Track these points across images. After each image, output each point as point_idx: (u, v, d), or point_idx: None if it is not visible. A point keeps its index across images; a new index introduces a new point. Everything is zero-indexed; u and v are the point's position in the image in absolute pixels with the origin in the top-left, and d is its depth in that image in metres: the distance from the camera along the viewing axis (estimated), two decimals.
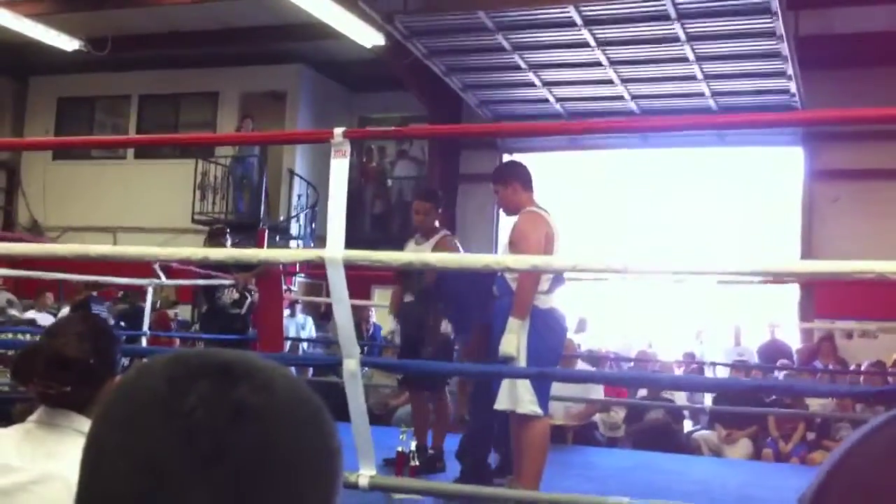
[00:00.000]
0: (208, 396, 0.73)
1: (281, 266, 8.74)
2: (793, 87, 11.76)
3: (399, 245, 6.44)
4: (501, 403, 4.76)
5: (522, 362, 4.66)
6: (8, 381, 7.05)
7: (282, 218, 15.58)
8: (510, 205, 5.13)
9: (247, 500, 0.71)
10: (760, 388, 7.38)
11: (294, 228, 15.44)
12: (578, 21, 10.68)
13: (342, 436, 0.81)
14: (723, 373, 10.37)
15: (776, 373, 9.73)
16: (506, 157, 14.20)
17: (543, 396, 4.77)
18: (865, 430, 0.65)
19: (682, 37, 10.78)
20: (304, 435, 0.77)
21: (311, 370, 9.77)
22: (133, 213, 15.92)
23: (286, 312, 10.26)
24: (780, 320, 12.52)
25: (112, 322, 8.92)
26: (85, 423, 2.00)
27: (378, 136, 14.28)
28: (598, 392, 8.49)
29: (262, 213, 15.07)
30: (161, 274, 8.36)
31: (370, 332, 12.00)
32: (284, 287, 9.88)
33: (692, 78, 12.04)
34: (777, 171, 14.09)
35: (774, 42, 10.65)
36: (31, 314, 11.16)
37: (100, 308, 10.59)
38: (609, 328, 12.71)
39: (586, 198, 14.43)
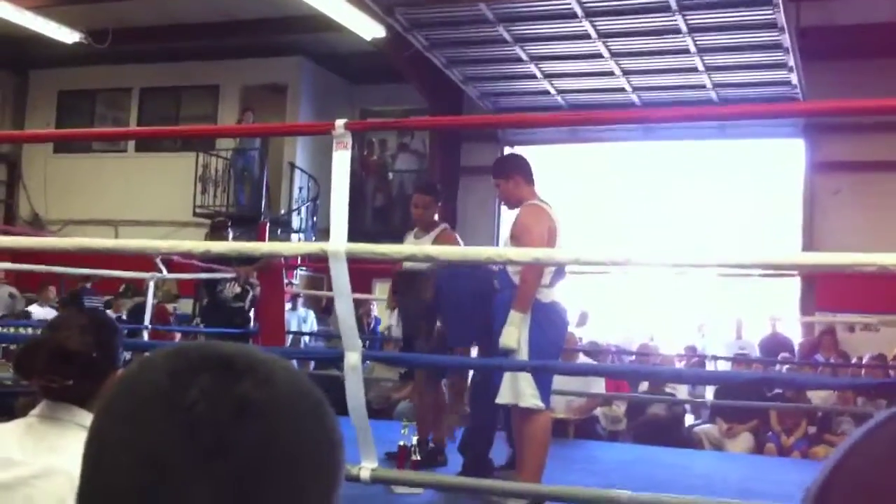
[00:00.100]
0: (210, 390, 0.73)
1: (282, 259, 8.74)
2: (794, 78, 11.74)
3: (401, 238, 6.43)
4: (503, 397, 4.76)
5: (524, 356, 4.66)
6: (10, 375, 7.06)
7: (283, 211, 15.59)
8: (512, 198, 5.12)
9: (249, 494, 0.72)
10: (762, 381, 7.37)
11: (295, 222, 15.44)
12: (579, 12, 10.66)
13: (343, 429, 0.81)
14: (724, 366, 10.37)
15: (777, 366, 9.73)
16: (507, 150, 14.20)
17: (545, 390, 4.77)
18: (867, 428, 0.64)
19: (684, 28, 10.77)
20: (306, 428, 0.77)
21: (312, 364, 9.77)
22: (134, 207, 15.93)
23: (287, 306, 10.26)
24: (782, 314, 12.51)
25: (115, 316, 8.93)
26: (87, 417, 2.00)
27: (379, 128, 14.26)
28: (599, 386, 8.49)
29: (263, 206, 15.07)
30: (162, 267, 8.36)
31: (371, 325, 12.00)
32: (286, 281, 9.88)
33: (693, 70, 12.03)
34: (778, 163, 14.09)
35: (776, 33, 10.63)
36: (33, 308, 11.19)
37: (94, 300, 10.61)
38: (610, 322, 12.71)
39: (587, 190, 14.43)
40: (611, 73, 12.42)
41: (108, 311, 10.02)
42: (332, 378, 7.25)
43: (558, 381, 6.14)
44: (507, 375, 4.74)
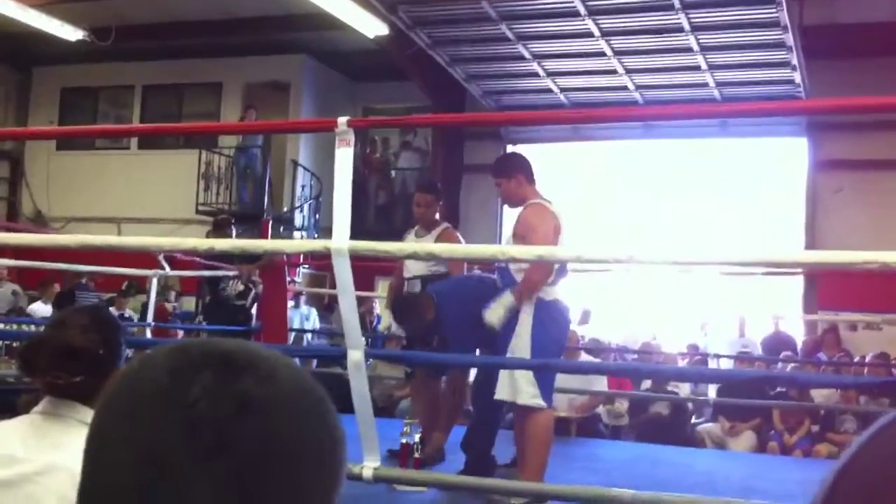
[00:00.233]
0: (211, 387, 0.73)
1: (285, 257, 8.74)
2: (797, 77, 11.73)
3: (402, 237, 6.42)
4: (501, 393, 4.76)
5: (526, 354, 4.66)
6: (13, 372, 7.07)
7: (285, 209, 15.59)
8: (514, 197, 5.10)
9: (250, 491, 0.71)
10: (764, 380, 7.37)
11: (298, 219, 15.45)
12: (582, 11, 10.66)
13: (346, 427, 0.81)
14: (727, 365, 10.37)
15: (780, 364, 9.73)
16: (510, 148, 14.20)
17: (547, 388, 4.77)
18: (873, 431, 0.64)
19: (687, 27, 10.76)
20: (308, 425, 0.76)
21: (315, 361, 9.78)
22: (137, 204, 15.94)
23: (290, 304, 10.27)
24: (784, 312, 12.51)
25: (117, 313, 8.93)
26: (90, 414, 2.00)
27: (382, 125, 14.27)
28: (601, 384, 8.49)
29: (265, 203, 15.08)
30: (165, 265, 8.36)
31: (374, 323, 11.99)
32: (288, 278, 9.88)
33: (696, 68, 12.02)
34: (780, 161, 14.08)
35: (779, 32, 10.62)
36: (36, 305, 11.20)
37: (89, 296, 10.61)
38: (613, 320, 12.70)
39: (590, 189, 14.43)
40: (613, 72, 12.42)
41: (110, 309, 10.02)
42: (334, 376, 7.27)
43: (560, 380, 6.15)
44: (504, 373, 4.73)
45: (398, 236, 6.38)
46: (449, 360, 5.23)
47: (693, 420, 9.88)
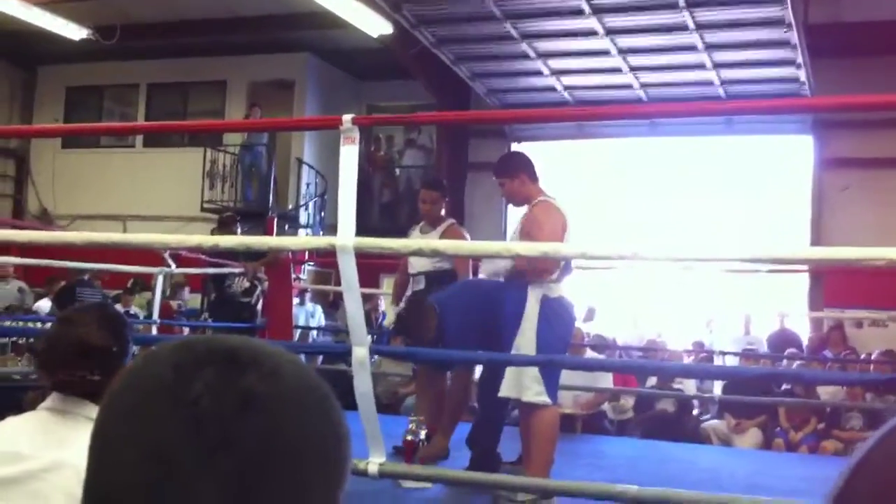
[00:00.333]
0: (215, 384, 0.73)
1: (290, 254, 8.75)
2: (802, 75, 11.72)
3: (407, 235, 6.41)
4: (506, 390, 4.75)
5: (531, 351, 4.66)
6: (19, 369, 7.09)
7: (290, 206, 15.61)
8: (518, 196, 5.09)
9: (254, 488, 0.71)
10: (770, 377, 7.37)
11: (303, 217, 15.47)
12: (587, 9, 10.65)
13: (351, 424, 0.81)
14: (732, 362, 10.36)
15: (785, 362, 9.72)
16: (514, 146, 14.20)
17: (552, 385, 4.76)
18: (885, 430, 0.64)
19: (691, 25, 10.75)
20: (312, 421, 0.76)
21: (320, 358, 9.79)
22: (142, 202, 15.97)
23: (295, 301, 10.27)
24: (790, 309, 12.50)
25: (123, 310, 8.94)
26: (96, 411, 2.01)
27: (387, 123, 14.25)
28: (606, 381, 8.49)
29: (270, 201, 15.10)
30: (171, 262, 8.37)
31: (379, 320, 12.00)
32: (293, 276, 9.89)
33: (701, 66, 12.01)
34: (786, 159, 14.07)
35: (784, 30, 10.61)
36: (42, 303, 11.22)
37: (89, 293, 10.62)
38: (618, 317, 12.69)
39: (594, 186, 14.42)
40: (618, 70, 12.41)
41: (116, 306, 10.03)
42: (340, 373, 7.27)
43: (566, 376, 6.14)
44: (510, 370, 4.73)
45: (403, 234, 6.37)
46: (454, 357, 5.23)
47: (698, 415, 9.88)
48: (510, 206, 5.46)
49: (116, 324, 2.23)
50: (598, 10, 10.74)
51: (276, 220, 14.10)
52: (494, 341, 4.97)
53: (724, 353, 10.38)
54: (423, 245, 4.47)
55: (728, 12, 10.54)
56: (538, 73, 12.87)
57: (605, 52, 11.83)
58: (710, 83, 12.46)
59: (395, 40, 12.55)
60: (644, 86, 12.85)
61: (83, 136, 16.72)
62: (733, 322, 12.05)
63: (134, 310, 11.53)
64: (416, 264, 6.15)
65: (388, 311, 6.78)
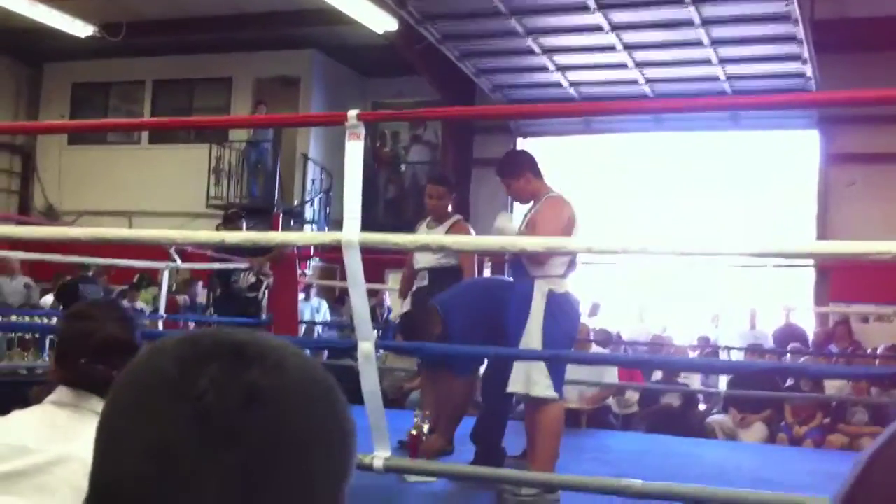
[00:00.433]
0: (220, 378, 0.73)
1: (295, 250, 8.76)
2: (808, 70, 11.69)
3: (413, 230, 6.41)
4: (515, 386, 4.76)
5: (538, 347, 4.67)
6: (26, 363, 7.11)
7: (296, 202, 15.62)
8: (524, 195, 5.09)
9: (259, 482, 0.71)
10: (776, 371, 7.36)
11: (308, 213, 15.48)
12: (592, 4, 10.63)
13: (356, 418, 0.81)
14: (737, 357, 10.36)
15: (788, 356, 9.72)
16: (520, 141, 14.21)
17: (558, 380, 4.78)
18: (892, 431, 0.64)
19: (697, 20, 10.73)
20: (317, 415, 0.76)
21: (325, 353, 9.81)
22: (148, 198, 15.99)
23: (301, 296, 10.28)
24: (796, 304, 12.49)
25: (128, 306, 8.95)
26: (101, 405, 2.01)
27: (392, 118, 14.25)
28: (612, 376, 8.49)
29: (276, 197, 15.11)
30: (177, 258, 8.39)
31: (385, 315, 12.01)
32: (299, 271, 9.90)
33: (707, 62, 11.98)
34: (792, 154, 14.05)
35: (790, 25, 10.59)
36: (48, 298, 11.25)
37: (94, 289, 10.65)
38: (623, 313, 12.69)
39: (600, 182, 14.41)
40: (624, 66, 12.39)
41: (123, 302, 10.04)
42: (345, 368, 7.28)
43: (571, 371, 6.15)
44: (519, 365, 4.74)
45: (408, 230, 6.37)
46: (459, 352, 5.23)
47: (704, 410, 9.88)
48: (517, 203, 5.45)
49: (131, 319, 2.25)
50: (603, 6, 10.72)
51: (281, 216, 14.10)
52: (499, 338, 4.98)
53: (729, 348, 10.38)
54: (428, 241, 4.48)
55: (734, 7, 10.52)
56: (543, 69, 12.86)
57: (611, 48, 11.82)
58: (715, 78, 12.44)
59: (401, 36, 12.55)
60: (649, 81, 12.84)
61: (89, 133, 16.73)
62: (739, 317, 12.05)
63: (140, 305, 11.55)
64: (421, 260, 6.15)
65: (395, 305, 6.79)
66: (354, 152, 3.70)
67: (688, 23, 10.83)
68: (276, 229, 12.17)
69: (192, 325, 9.90)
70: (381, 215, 15.11)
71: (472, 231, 6.16)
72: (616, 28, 11.25)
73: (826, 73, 11.74)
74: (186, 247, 8.17)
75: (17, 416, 2.13)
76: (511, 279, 5.28)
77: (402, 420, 5.76)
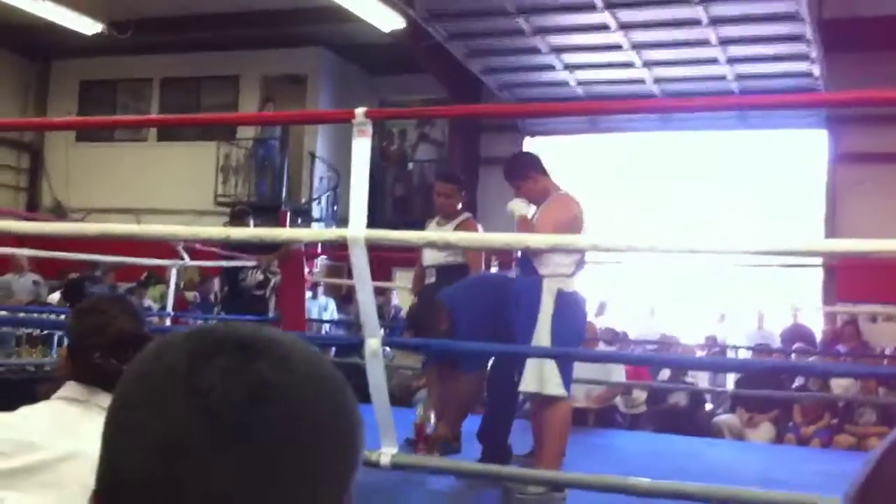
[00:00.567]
0: (228, 372, 0.73)
1: (303, 247, 8.77)
2: (816, 70, 11.68)
3: (420, 228, 6.42)
4: (528, 386, 4.76)
5: (547, 345, 4.67)
6: (35, 361, 7.12)
7: (303, 200, 15.64)
8: (535, 195, 5.10)
9: (267, 476, 0.71)
10: (783, 369, 7.35)
11: (316, 211, 15.50)
12: (599, 3, 10.63)
13: (364, 415, 0.81)
14: (745, 356, 10.35)
15: (795, 356, 9.70)
16: (527, 140, 14.20)
17: (567, 378, 4.79)
18: None
19: (705, 19, 10.73)
20: (325, 409, 0.76)
21: (333, 350, 9.82)
22: (156, 196, 16.02)
23: (308, 294, 10.29)
24: (804, 304, 12.46)
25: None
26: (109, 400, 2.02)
27: (400, 116, 14.27)
28: (619, 375, 8.49)
29: (283, 195, 15.13)
30: (184, 255, 8.40)
31: (392, 314, 12.02)
32: (306, 269, 9.91)
33: (714, 61, 11.98)
34: (800, 154, 14.03)
35: (798, 25, 10.58)
36: (55, 296, 11.27)
37: (100, 288, 10.66)
38: (630, 312, 12.68)
39: (607, 180, 14.41)
40: (631, 65, 12.39)
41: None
42: (353, 365, 7.29)
43: (578, 370, 6.14)
44: (531, 364, 4.74)
45: (416, 228, 6.39)
46: (466, 349, 5.24)
47: (711, 410, 9.87)
48: None
49: (140, 313, 2.27)
50: (610, 5, 10.72)
51: (288, 213, 14.12)
52: (506, 335, 4.99)
53: (736, 348, 10.37)
54: (434, 237, 4.49)
55: (741, 6, 10.52)
56: (550, 68, 12.86)
57: (618, 47, 11.81)
58: (723, 78, 12.44)
59: (408, 35, 12.56)
60: (657, 80, 12.83)
61: (97, 130, 16.77)
62: (746, 317, 12.03)
63: (147, 302, 11.57)
64: (429, 257, 6.16)
65: (405, 303, 6.79)
66: (362, 150, 3.71)
67: (695, 22, 10.83)
68: (284, 227, 12.18)
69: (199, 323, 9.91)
70: (388, 213, 15.12)
71: (480, 229, 6.16)
72: (623, 27, 11.24)
73: (834, 72, 11.72)
74: (195, 244, 8.18)
75: (25, 411, 2.13)
76: (514, 276, 5.29)
77: (409, 418, 5.76)
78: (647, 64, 12.36)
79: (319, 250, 11.30)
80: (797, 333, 11.17)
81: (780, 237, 8.99)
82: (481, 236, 5.33)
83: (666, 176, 14.39)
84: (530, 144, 14.15)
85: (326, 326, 11.66)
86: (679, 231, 13.30)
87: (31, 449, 1.98)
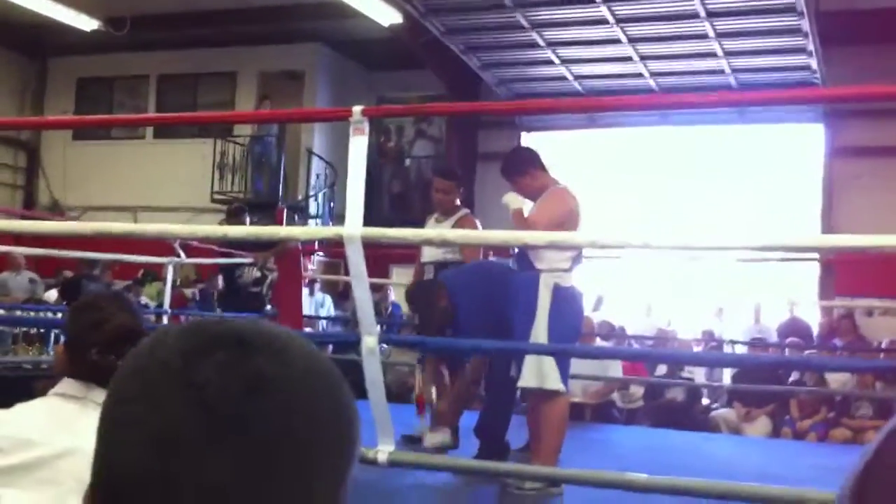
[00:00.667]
0: (223, 366, 0.72)
1: (299, 245, 8.77)
2: (814, 63, 11.67)
3: (418, 225, 6.42)
4: (527, 381, 4.76)
5: (543, 341, 4.68)
6: (31, 359, 7.12)
7: (300, 197, 15.62)
8: (534, 190, 5.11)
9: (262, 469, 0.71)
10: (780, 363, 7.36)
11: (313, 208, 15.47)
12: None
13: (361, 412, 0.80)
14: (741, 351, 10.35)
15: (791, 351, 9.71)
16: (524, 136, 14.20)
17: (564, 373, 4.79)
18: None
19: (702, 13, 10.72)
20: (321, 403, 0.76)
21: (330, 348, 9.82)
22: (153, 193, 16.01)
23: (305, 291, 10.28)
24: (800, 298, 12.47)
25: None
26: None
27: (397, 114, 14.26)
28: (616, 370, 8.49)
29: (280, 192, 15.12)
30: (181, 252, 8.39)
31: (389, 310, 12.02)
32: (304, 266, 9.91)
33: (712, 55, 11.97)
34: (797, 148, 14.03)
35: (795, 18, 10.57)
36: (51, 293, 11.27)
37: (96, 287, 10.66)
38: (627, 306, 12.69)
39: (605, 175, 14.40)
40: (628, 59, 12.38)
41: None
42: (350, 362, 7.29)
43: (576, 366, 6.15)
44: (530, 360, 4.74)
45: (413, 225, 6.39)
46: (463, 346, 5.24)
47: (708, 405, 9.87)
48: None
49: (137, 309, 2.27)
50: None
51: (285, 211, 14.11)
52: (503, 327, 4.99)
53: (733, 343, 10.38)
54: (430, 234, 4.49)
55: (739, 0, 10.51)
56: (548, 63, 12.85)
57: (616, 41, 11.81)
58: (721, 71, 12.43)
59: (405, 30, 12.55)
60: (654, 75, 12.82)
61: (94, 128, 16.75)
62: (743, 311, 12.03)
63: (144, 300, 11.57)
64: (427, 254, 6.17)
65: (402, 300, 6.80)
66: (359, 147, 3.71)
67: (693, 15, 10.82)
68: (281, 225, 12.18)
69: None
70: (386, 210, 15.11)
71: (478, 225, 6.17)
72: (621, 21, 11.23)
73: (832, 65, 11.72)
74: (191, 241, 8.17)
75: (21, 408, 2.13)
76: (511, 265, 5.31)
77: (406, 415, 5.76)
78: (645, 58, 12.35)
79: (316, 247, 11.29)
80: (794, 328, 11.17)
81: (775, 233, 9.00)
82: (478, 233, 5.34)
83: (663, 171, 14.38)
84: (528, 140, 14.14)
85: (323, 323, 11.66)
86: (676, 226, 13.31)
87: (28, 446, 1.98)
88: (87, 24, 14.18)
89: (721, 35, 11.35)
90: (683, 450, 6.90)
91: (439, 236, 4.62)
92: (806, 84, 12.11)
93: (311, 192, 15.58)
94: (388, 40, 13.50)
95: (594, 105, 11.27)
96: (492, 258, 6.24)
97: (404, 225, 6.31)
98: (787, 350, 9.77)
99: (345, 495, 0.77)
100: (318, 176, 15.69)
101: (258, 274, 8.65)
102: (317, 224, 14.69)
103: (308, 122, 14.85)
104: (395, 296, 12.42)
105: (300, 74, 16.04)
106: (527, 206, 5.05)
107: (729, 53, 11.90)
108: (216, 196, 15.36)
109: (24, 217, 11.72)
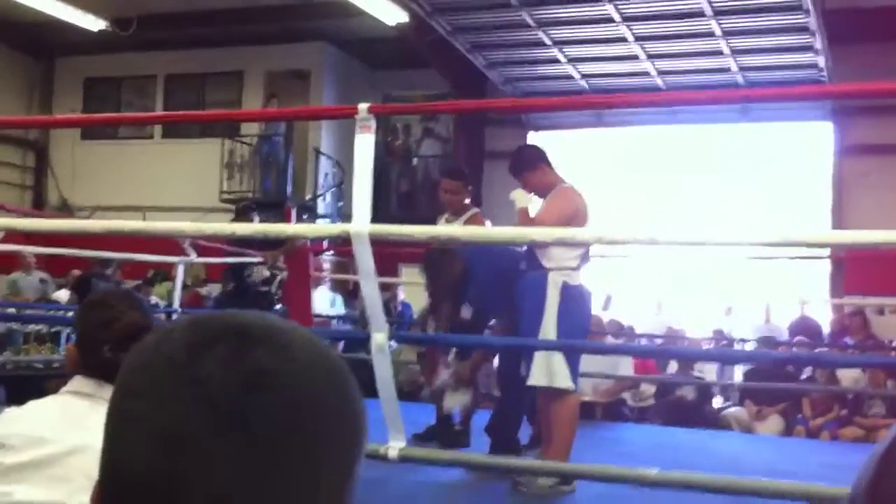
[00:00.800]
0: (226, 361, 0.72)
1: (308, 244, 8.77)
2: (821, 61, 11.64)
3: (426, 223, 6.41)
4: (538, 379, 4.76)
5: (552, 338, 4.68)
6: (43, 358, 7.15)
7: (308, 196, 15.64)
8: (542, 187, 5.12)
9: (267, 465, 0.71)
10: (791, 360, 7.35)
11: (321, 207, 15.50)
12: None
13: (371, 410, 0.80)
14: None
15: (799, 349, 9.68)
16: (531, 134, 14.18)
17: (573, 371, 4.79)
18: None
19: (709, 11, 10.70)
20: (326, 397, 0.75)
21: (341, 345, 9.83)
22: (161, 193, 16.03)
23: (323, 288, 10.29)
24: (811, 297, 12.43)
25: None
26: None
27: (402, 112, 14.26)
28: (627, 368, 8.48)
29: (288, 191, 15.14)
30: (191, 251, 8.40)
31: (398, 309, 12.02)
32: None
33: (719, 53, 11.95)
34: (806, 146, 13.99)
35: (802, 16, 10.55)
36: (61, 293, 11.29)
37: (105, 286, 10.69)
38: (636, 305, 12.66)
39: (612, 174, 14.38)
40: (635, 57, 12.36)
41: None
42: (359, 361, 7.29)
43: (586, 364, 6.15)
44: (539, 358, 4.74)
45: (421, 223, 6.38)
46: (472, 343, 5.24)
47: (720, 404, 9.85)
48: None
49: (147, 307, 2.28)
50: None
51: (293, 210, 14.12)
52: (510, 307, 5.03)
53: (744, 341, 10.35)
54: (437, 232, 4.49)
55: None
56: (554, 61, 12.84)
57: (622, 40, 11.79)
58: (727, 70, 12.41)
59: (412, 29, 12.55)
60: (661, 73, 12.80)
61: (102, 127, 16.78)
62: (754, 310, 12.00)
63: (154, 300, 11.59)
64: None
65: (411, 299, 6.81)
66: (365, 145, 3.71)
67: (699, 13, 10.80)
68: (289, 223, 12.18)
69: None
70: (393, 208, 15.11)
71: (488, 224, 6.18)
72: (627, 19, 11.22)
73: (839, 63, 11.69)
74: (202, 241, 8.18)
75: (33, 406, 2.14)
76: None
77: (416, 412, 5.76)
78: (652, 57, 12.33)
79: (325, 246, 11.30)
80: (804, 327, 11.14)
81: (784, 229, 8.97)
82: (485, 231, 5.35)
83: (671, 169, 14.36)
84: (534, 138, 14.13)
85: (333, 322, 11.67)
86: (685, 224, 13.28)
87: (39, 443, 1.98)
88: (93, 24, 14.21)
89: (728, 33, 11.33)
90: (694, 447, 6.90)
91: (447, 234, 4.62)
92: (813, 82, 12.07)
93: (320, 192, 15.60)
94: (394, 39, 13.50)
95: (602, 102, 11.25)
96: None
97: (412, 224, 6.30)
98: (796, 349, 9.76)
99: (352, 489, 0.77)
100: (325, 175, 15.71)
101: (267, 273, 8.66)
102: (325, 223, 14.71)
103: (314, 119, 14.86)
104: (405, 294, 12.42)
105: (306, 74, 16.05)
106: (533, 203, 5.05)
107: (736, 52, 11.88)
108: (224, 195, 15.39)
109: (33, 216, 11.73)
